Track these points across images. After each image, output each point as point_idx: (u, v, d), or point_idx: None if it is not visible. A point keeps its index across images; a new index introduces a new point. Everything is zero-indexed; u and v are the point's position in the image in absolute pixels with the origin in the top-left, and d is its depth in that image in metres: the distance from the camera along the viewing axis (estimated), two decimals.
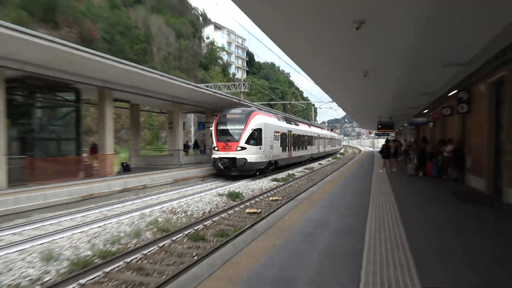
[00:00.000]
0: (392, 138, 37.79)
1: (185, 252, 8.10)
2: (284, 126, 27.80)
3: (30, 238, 8.82)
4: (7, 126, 13.42)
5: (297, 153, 31.59)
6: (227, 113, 22.47)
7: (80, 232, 9.49)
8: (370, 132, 72.52)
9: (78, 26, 44.16)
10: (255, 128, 21.66)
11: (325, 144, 49.24)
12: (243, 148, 20.97)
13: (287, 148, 28.11)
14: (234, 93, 40.20)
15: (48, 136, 16.99)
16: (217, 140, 21.67)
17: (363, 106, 24.01)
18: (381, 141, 42.73)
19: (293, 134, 30.18)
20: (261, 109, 27.40)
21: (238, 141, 21.10)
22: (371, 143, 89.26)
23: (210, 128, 23.80)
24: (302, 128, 35.06)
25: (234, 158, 20.81)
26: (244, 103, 27.62)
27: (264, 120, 23.04)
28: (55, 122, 17.35)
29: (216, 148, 21.49)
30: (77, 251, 7.83)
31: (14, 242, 8.42)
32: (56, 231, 9.51)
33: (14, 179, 13.22)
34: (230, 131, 21.67)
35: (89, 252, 7.81)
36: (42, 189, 12.72)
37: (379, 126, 28.51)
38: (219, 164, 21.06)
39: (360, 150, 77.38)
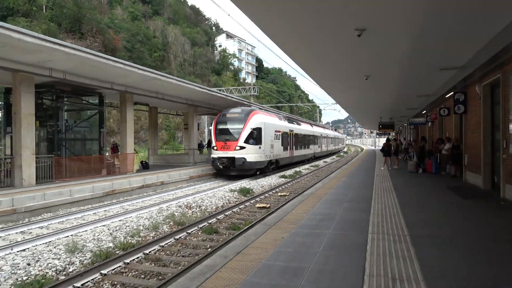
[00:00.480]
0: (393, 137, 37.39)
1: (199, 244, 8.03)
2: (285, 125, 26.25)
3: (56, 231, 8.82)
4: (36, 127, 13.52)
5: (299, 152, 29.91)
6: (226, 112, 20.91)
7: (103, 225, 9.50)
8: (371, 132, 71.94)
9: (102, 36, 44.55)
10: (255, 127, 20.07)
11: (328, 143, 47.63)
12: (242, 148, 19.42)
13: (288, 147, 26.40)
14: (244, 96, 40.20)
15: (74, 136, 17.16)
16: (216, 140, 20.22)
17: (364, 107, 23.78)
18: (382, 140, 42.22)
19: (295, 133, 28.56)
20: (261, 109, 25.85)
21: (237, 140, 19.56)
22: (372, 142, 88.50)
23: (210, 128, 22.85)
24: (304, 128, 33.37)
25: (233, 158, 19.28)
26: (252, 104, 27.04)
27: (263, 119, 21.48)
28: (80, 123, 17.50)
29: (215, 148, 20.04)
30: (100, 243, 7.81)
31: (41, 235, 8.42)
32: (80, 224, 9.51)
33: (43, 176, 13.30)
34: (229, 131, 20.16)
35: (110, 244, 7.79)
36: (67, 185, 12.78)
37: (380, 126, 28.31)
38: (218, 163, 19.56)
39: (362, 149, 76.70)
